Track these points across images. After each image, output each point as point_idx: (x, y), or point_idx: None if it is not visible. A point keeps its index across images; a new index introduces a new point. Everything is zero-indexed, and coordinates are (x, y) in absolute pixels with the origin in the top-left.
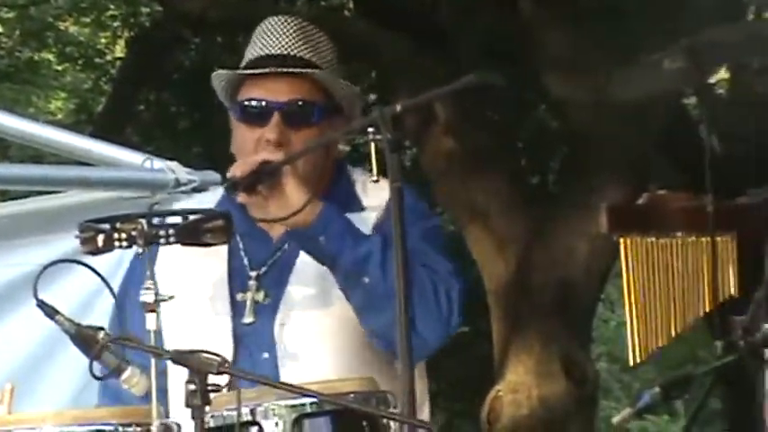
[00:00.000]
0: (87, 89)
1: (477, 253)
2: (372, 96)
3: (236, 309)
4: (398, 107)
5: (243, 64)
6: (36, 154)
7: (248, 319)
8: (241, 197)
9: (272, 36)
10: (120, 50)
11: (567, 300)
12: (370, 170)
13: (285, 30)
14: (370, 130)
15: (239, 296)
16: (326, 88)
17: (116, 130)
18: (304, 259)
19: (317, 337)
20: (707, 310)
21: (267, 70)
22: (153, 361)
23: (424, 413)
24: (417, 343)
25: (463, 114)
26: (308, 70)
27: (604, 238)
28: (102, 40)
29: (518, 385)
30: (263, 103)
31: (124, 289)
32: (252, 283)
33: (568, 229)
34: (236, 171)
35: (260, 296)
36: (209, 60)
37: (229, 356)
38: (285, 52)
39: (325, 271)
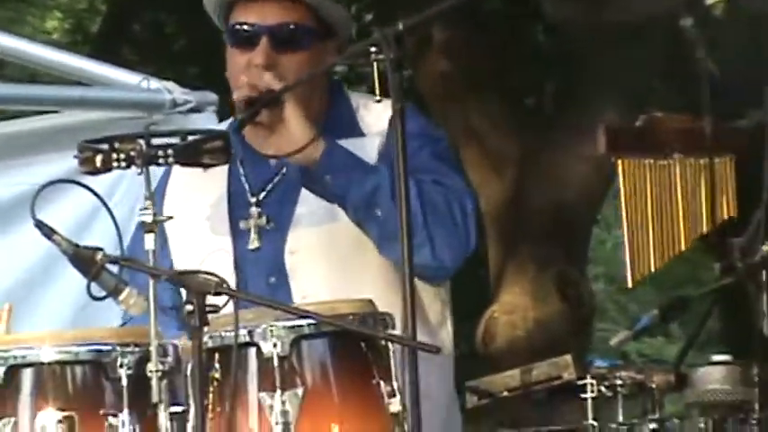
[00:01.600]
0: (83, 9)
1: (472, 174)
2: (369, 16)
3: (239, 234)
4: (401, 26)
5: None
6: (32, 74)
7: (253, 244)
8: (246, 132)
9: None
10: None
11: (562, 221)
12: (370, 91)
13: None
14: (373, 50)
15: (242, 223)
16: (318, 11)
17: (113, 49)
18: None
19: (327, 257)
20: (705, 231)
21: None
22: (151, 281)
23: (442, 335)
24: (435, 265)
25: (458, 36)
26: None
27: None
28: None
29: (513, 306)
30: (252, 27)
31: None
32: (253, 209)
33: (564, 150)
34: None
35: (262, 221)
36: None
37: (232, 282)
38: None
39: None
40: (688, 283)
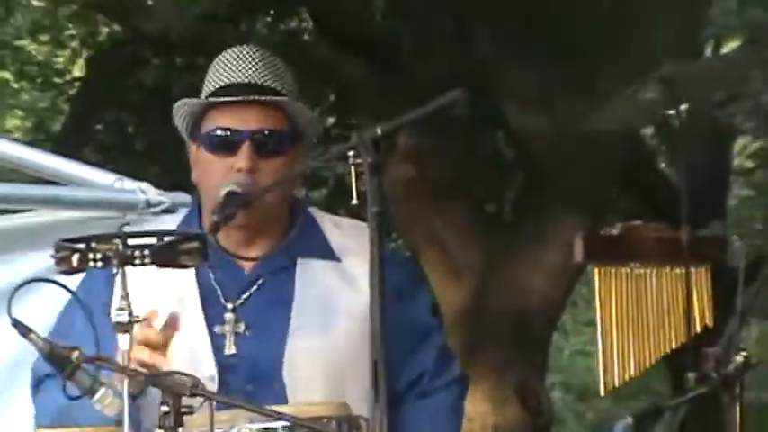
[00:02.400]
0: (44, 108)
1: (433, 280)
2: (331, 119)
3: (215, 340)
4: (379, 131)
5: (205, 94)
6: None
7: (230, 350)
8: (219, 235)
9: (238, 64)
10: (78, 70)
11: (522, 328)
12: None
13: (250, 58)
14: (351, 153)
15: (216, 328)
16: (291, 116)
17: (74, 149)
18: (302, 291)
19: (322, 367)
20: (681, 341)
21: (239, 98)
22: (125, 381)
23: None
24: None
25: (423, 142)
26: (278, 98)
27: (561, 267)
28: (61, 60)
29: (474, 414)
30: (233, 132)
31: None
32: (229, 315)
33: (525, 258)
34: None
35: (239, 327)
36: (168, 81)
37: (213, 388)
38: (252, 81)
39: (326, 302)
40: (640, 394)
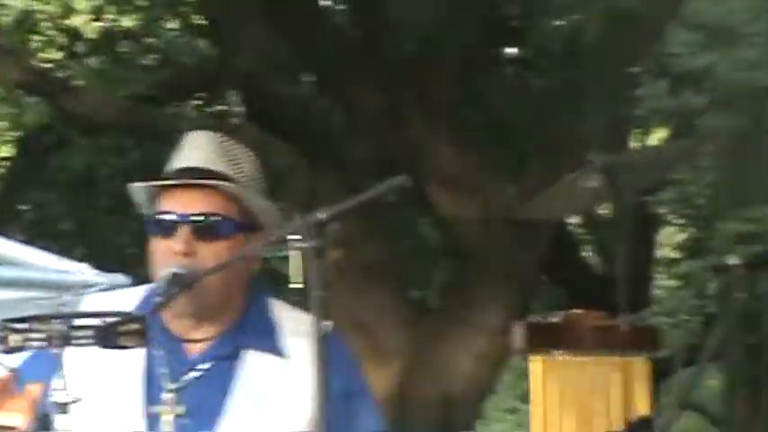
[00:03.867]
0: None
1: None
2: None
3: (151, 420)
4: (323, 215)
5: (161, 176)
6: None
7: (164, 430)
8: (165, 315)
9: (190, 149)
10: (5, 150)
11: (448, 414)
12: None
13: (203, 143)
14: (294, 237)
15: (155, 408)
16: (242, 202)
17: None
18: (242, 383)
19: None
20: (618, 429)
21: (176, 182)
22: None
23: None
24: None
25: (354, 226)
26: (218, 182)
27: (485, 355)
28: None
29: None
30: (173, 216)
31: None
32: (169, 396)
33: (450, 345)
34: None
35: (178, 410)
36: (95, 163)
37: None
38: (201, 165)
39: (264, 398)
40: None
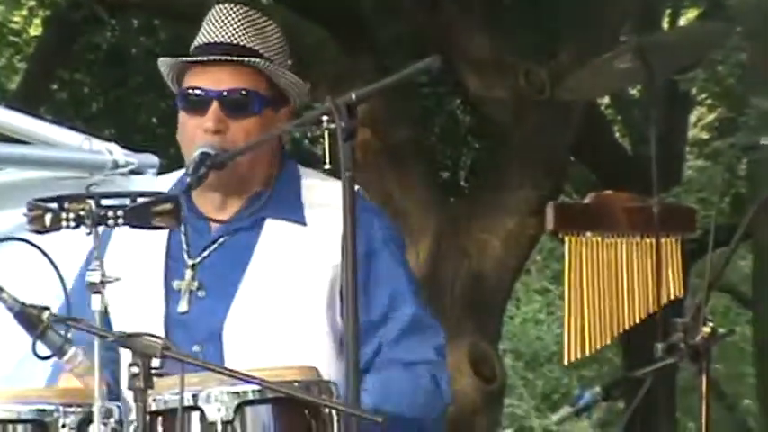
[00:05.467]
0: (0, 67)
1: None
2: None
3: (171, 296)
4: (353, 96)
5: (190, 51)
6: None
7: (182, 308)
8: (194, 194)
9: (217, 24)
10: (34, 29)
11: (477, 295)
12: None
13: (230, 18)
14: (324, 119)
15: (174, 283)
16: (270, 78)
17: (30, 108)
18: (260, 253)
19: (269, 331)
20: (651, 310)
21: (206, 58)
22: (96, 341)
23: None
24: None
25: (379, 106)
26: (248, 58)
27: (517, 234)
28: (17, 19)
29: None
30: (203, 92)
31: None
32: (188, 271)
33: (480, 225)
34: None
35: (194, 285)
36: (124, 42)
37: None
38: (229, 40)
39: (285, 266)
40: (591, 363)
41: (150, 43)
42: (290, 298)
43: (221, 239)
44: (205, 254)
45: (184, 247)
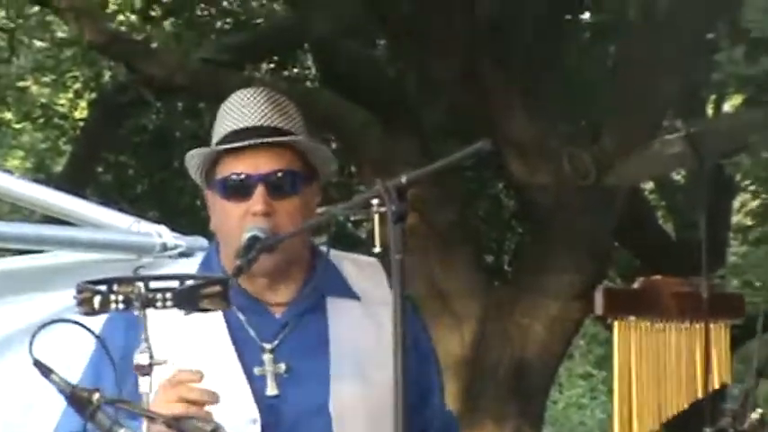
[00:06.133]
0: (46, 149)
1: (433, 329)
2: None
3: (255, 382)
4: (404, 179)
5: (216, 140)
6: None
7: (271, 391)
8: (242, 279)
9: (245, 108)
10: (80, 112)
11: (521, 379)
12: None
13: (257, 101)
14: (374, 202)
15: (256, 370)
16: (304, 155)
17: (75, 190)
18: (335, 331)
19: (355, 408)
20: (699, 396)
21: (247, 143)
22: (145, 424)
23: None
24: None
25: (428, 190)
26: (288, 138)
27: (561, 319)
28: (63, 101)
29: None
30: (246, 177)
31: (125, 353)
32: (266, 356)
33: (524, 310)
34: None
35: (280, 369)
36: (170, 124)
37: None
38: (260, 123)
39: (359, 341)
40: None
41: (194, 126)
42: (375, 376)
43: (291, 322)
44: (280, 337)
45: (250, 331)
